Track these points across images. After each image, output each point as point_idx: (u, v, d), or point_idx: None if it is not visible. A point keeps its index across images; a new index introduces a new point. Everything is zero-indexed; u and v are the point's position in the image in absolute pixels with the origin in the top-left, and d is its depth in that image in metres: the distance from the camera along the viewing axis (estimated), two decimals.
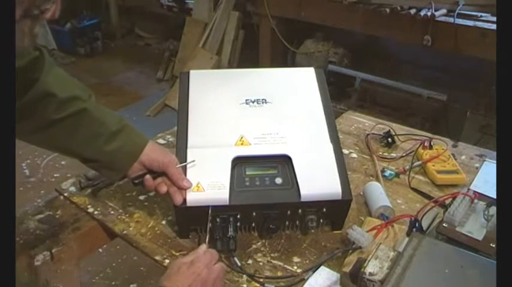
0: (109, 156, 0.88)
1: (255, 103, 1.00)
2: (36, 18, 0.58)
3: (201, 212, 0.85)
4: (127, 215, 0.98)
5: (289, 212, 0.88)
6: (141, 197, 1.03)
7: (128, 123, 0.92)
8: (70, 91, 0.86)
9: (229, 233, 0.85)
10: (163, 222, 0.96)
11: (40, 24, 0.61)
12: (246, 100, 1.00)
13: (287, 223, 0.90)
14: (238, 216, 0.87)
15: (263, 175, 0.89)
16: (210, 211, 0.84)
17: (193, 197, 0.85)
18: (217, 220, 0.86)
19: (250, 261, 0.86)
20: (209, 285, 0.74)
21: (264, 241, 0.91)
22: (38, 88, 0.83)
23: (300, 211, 0.88)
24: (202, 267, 0.74)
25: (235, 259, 0.85)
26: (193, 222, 0.89)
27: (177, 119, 0.97)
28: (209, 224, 0.85)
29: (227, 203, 0.85)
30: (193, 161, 0.89)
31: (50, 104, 0.84)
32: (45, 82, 0.84)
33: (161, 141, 1.26)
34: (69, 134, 0.87)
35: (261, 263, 0.86)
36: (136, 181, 0.89)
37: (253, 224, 0.90)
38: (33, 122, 0.84)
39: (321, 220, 0.90)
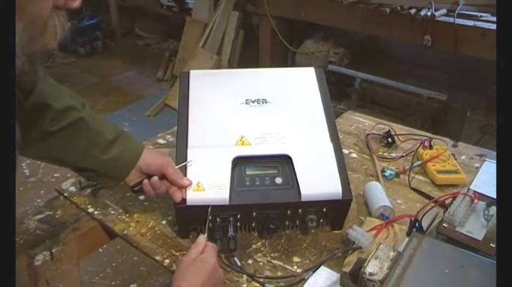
0: (106, 165, 0.88)
1: (255, 103, 1.00)
2: (63, 8, 0.59)
3: (201, 211, 0.85)
4: (127, 215, 0.98)
5: (289, 212, 0.88)
6: (141, 197, 1.03)
7: (123, 130, 0.91)
8: (65, 101, 0.85)
9: (229, 233, 0.85)
10: (163, 222, 0.96)
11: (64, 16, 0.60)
12: (246, 100, 1.00)
13: (287, 222, 0.90)
14: (239, 216, 0.87)
15: (263, 174, 0.89)
16: (209, 210, 0.84)
17: (193, 197, 0.85)
18: (217, 219, 0.86)
19: (250, 261, 0.86)
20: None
21: (264, 241, 0.91)
22: (33, 100, 0.81)
23: (300, 210, 0.88)
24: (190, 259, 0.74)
25: (235, 259, 0.85)
26: (193, 222, 0.89)
27: (177, 119, 0.97)
28: (208, 224, 0.84)
29: (227, 202, 0.85)
30: (190, 161, 0.89)
31: (45, 116, 0.83)
32: (39, 93, 0.82)
33: (161, 141, 1.26)
34: (65, 145, 0.86)
35: (261, 263, 0.86)
36: (135, 189, 0.89)
37: (253, 224, 0.90)
38: (28, 135, 0.82)
39: (321, 220, 0.90)
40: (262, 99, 1.00)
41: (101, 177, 0.90)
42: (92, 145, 0.87)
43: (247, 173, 0.89)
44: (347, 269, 0.78)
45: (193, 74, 1.06)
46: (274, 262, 0.86)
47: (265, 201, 0.86)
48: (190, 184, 0.86)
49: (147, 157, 0.89)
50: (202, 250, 0.77)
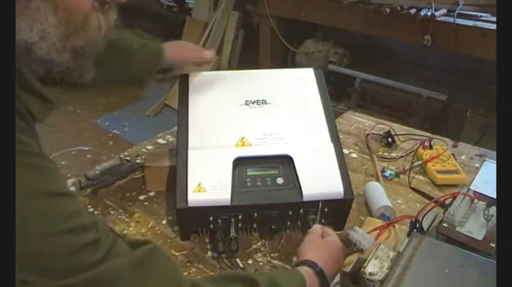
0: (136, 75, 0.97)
1: (255, 104, 1.00)
2: (109, 2, 0.59)
3: (203, 213, 0.85)
4: (127, 215, 0.98)
5: (290, 212, 0.88)
6: (141, 197, 1.03)
7: (141, 41, 0.98)
8: None
9: (231, 234, 0.85)
10: (163, 222, 0.96)
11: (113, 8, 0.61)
12: (246, 101, 1.00)
13: (288, 223, 0.90)
14: (240, 217, 0.86)
15: (264, 175, 0.89)
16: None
17: (195, 198, 0.85)
18: (219, 221, 0.86)
19: (250, 261, 0.86)
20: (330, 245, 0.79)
21: (264, 241, 0.91)
22: None
23: (301, 211, 0.88)
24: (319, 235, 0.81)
25: (237, 260, 0.84)
26: (194, 223, 0.88)
27: (177, 121, 0.97)
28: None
29: (229, 203, 0.85)
30: None
31: None
32: None
33: (161, 141, 1.26)
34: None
35: (261, 263, 0.86)
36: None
37: (254, 225, 0.89)
38: None
39: (323, 220, 0.90)
40: (262, 100, 1.00)
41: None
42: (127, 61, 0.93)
43: (248, 173, 0.89)
44: (347, 269, 0.78)
45: (192, 76, 1.06)
46: (274, 262, 0.86)
47: (267, 201, 0.86)
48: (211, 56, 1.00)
49: (167, 58, 0.98)
50: (322, 233, 0.82)
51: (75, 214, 0.55)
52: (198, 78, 1.05)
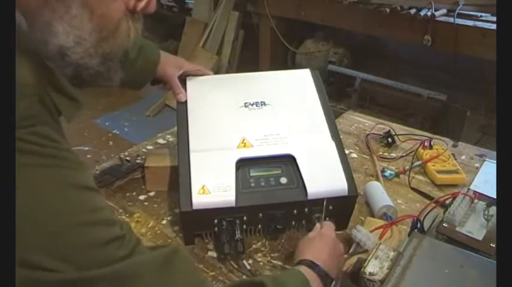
0: (133, 76, 0.99)
1: (254, 106, 1.00)
2: (137, 11, 0.62)
3: (207, 215, 0.85)
4: (127, 215, 0.98)
5: (295, 211, 0.88)
6: (141, 197, 1.03)
7: (140, 43, 0.98)
8: None
9: (237, 236, 0.85)
10: (164, 222, 0.96)
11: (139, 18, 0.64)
12: (245, 103, 1.00)
13: (293, 222, 0.90)
14: (245, 218, 0.86)
15: (268, 175, 0.89)
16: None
17: (199, 200, 0.84)
18: (224, 223, 0.85)
19: (250, 261, 0.86)
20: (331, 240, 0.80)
21: (264, 241, 0.91)
22: None
23: (306, 209, 0.88)
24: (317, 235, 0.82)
25: (244, 261, 0.84)
26: (199, 226, 0.88)
27: (177, 124, 0.97)
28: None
29: (233, 204, 0.84)
30: None
31: None
32: None
33: (161, 141, 1.26)
34: None
35: (261, 263, 0.86)
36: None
37: (259, 226, 0.89)
38: None
39: (327, 218, 0.89)
40: (261, 102, 1.00)
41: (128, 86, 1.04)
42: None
43: (252, 174, 0.89)
44: (347, 269, 0.78)
45: (190, 80, 1.05)
46: (274, 262, 0.86)
47: (272, 201, 0.86)
48: (184, 99, 1.00)
49: (159, 69, 1.03)
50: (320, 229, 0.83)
51: (103, 208, 0.57)
52: (195, 83, 1.05)
